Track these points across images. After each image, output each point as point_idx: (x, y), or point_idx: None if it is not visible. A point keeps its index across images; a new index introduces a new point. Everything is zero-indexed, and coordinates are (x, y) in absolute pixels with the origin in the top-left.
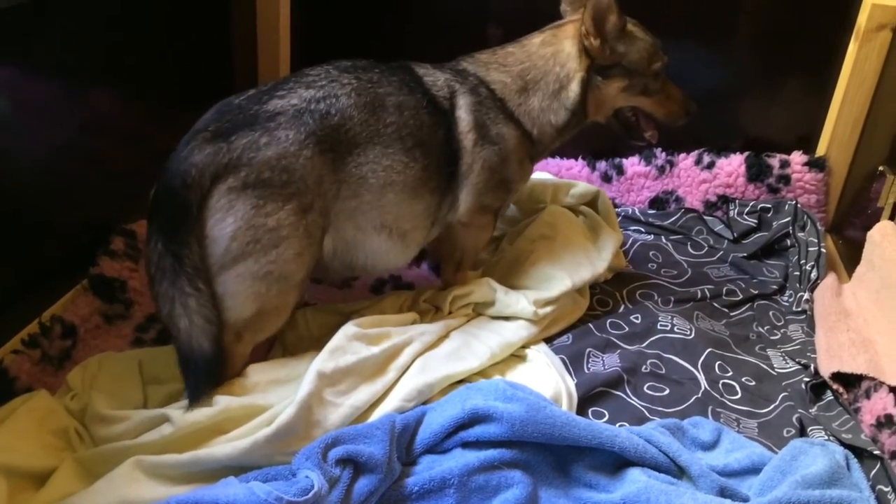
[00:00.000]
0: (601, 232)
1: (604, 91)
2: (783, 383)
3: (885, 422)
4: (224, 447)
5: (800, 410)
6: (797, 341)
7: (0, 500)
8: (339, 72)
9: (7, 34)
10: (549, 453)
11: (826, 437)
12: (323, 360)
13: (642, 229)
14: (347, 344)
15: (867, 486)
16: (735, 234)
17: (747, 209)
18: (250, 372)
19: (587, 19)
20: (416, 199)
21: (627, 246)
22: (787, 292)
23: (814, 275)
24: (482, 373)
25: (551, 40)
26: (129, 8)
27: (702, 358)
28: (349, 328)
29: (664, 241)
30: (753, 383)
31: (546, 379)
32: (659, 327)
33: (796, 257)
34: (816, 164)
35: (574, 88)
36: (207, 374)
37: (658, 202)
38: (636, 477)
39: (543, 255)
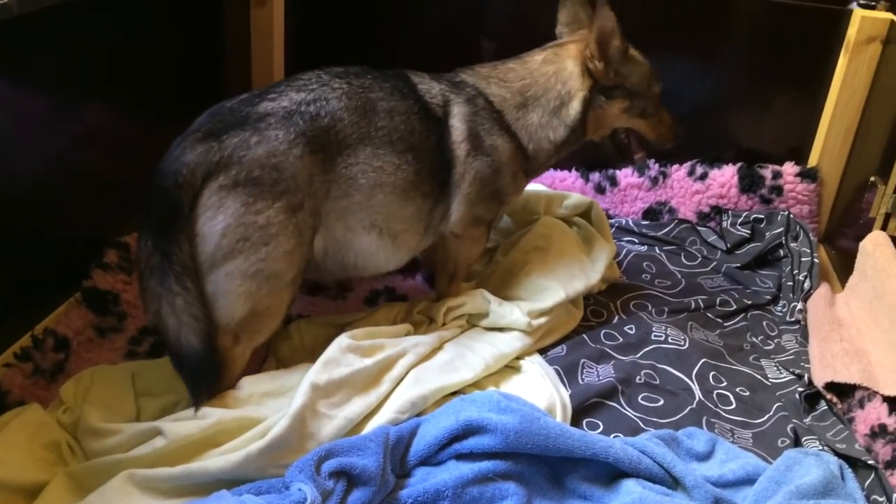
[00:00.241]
0: (595, 243)
1: (606, 111)
2: (777, 393)
3: (878, 431)
4: (217, 460)
5: (794, 420)
6: (791, 351)
7: None
8: (330, 76)
9: None
10: (544, 465)
11: (820, 447)
12: (317, 373)
13: (636, 240)
14: (341, 356)
15: (862, 495)
16: (728, 245)
17: (740, 220)
18: (244, 384)
19: (591, 43)
20: (406, 201)
21: (621, 257)
22: (781, 302)
23: (807, 285)
24: (476, 384)
25: (553, 58)
26: (122, 20)
27: (696, 368)
28: (343, 340)
29: (658, 251)
30: (748, 393)
31: (540, 390)
32: (653, 338)
33: (789, 267)
34: (808, 175)
35: (575, 106)
36: (201, 371)
37: (651, 213)
38: (631, 488)
39: (537, 267)
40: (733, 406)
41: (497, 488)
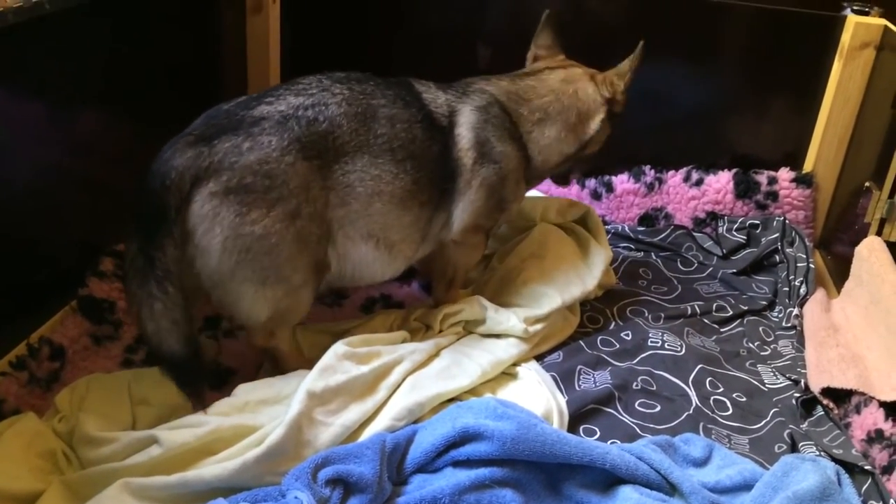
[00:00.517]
0: (591, 249)
1: (603, 132)
2: (774, 399)
3: (875, 437)
4: (213, 468)
5: (791, 426)
6: (787, 357)
7: None
8: (331, 81)
9: None
10: (541, 471)
11: (817, 453)
12: (313, 380)
13: (632, 246)
14: (337, 363)
15: (858, 501)
16: (724, 251)
17: (736, 225)
18: (239, 391)
19: (618, 82)
20: (405, 210)
21: (617, 263)
22: (777, 308)
23: (803, 290)
24: (473, 391)
25: (570, 78)
26: (118, 27)
27: (692, 374)
28: (339, 347)
29: (654, 257)
30: (744, 399)
31: (537, 396)
32: (649, 344)
33: (785, 273)
34: (804, 181)
35: (593, 126)
36: (185, 375)
37: (647, 219)
38: (628, 494)
39: (534, 273)
40: (730, 412)
41: (494, 495)
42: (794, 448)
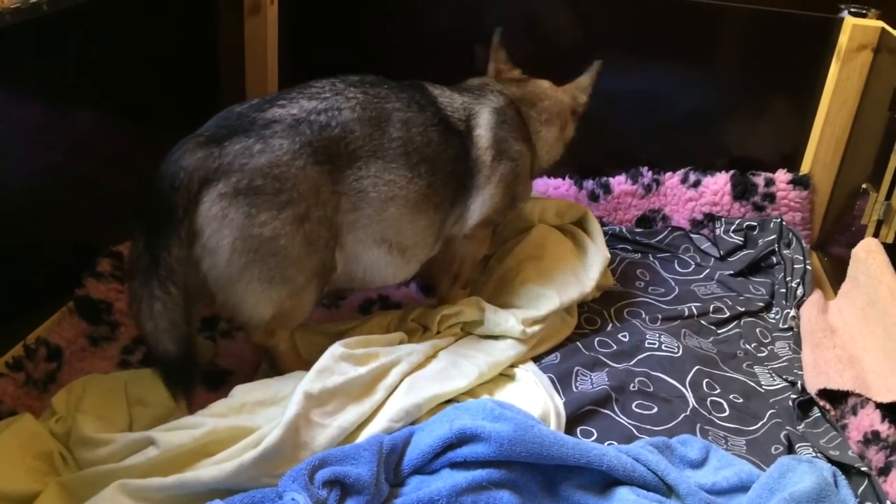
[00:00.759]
0: (589, 251)
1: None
2: (770, 400)
3: (872, 438)
4: (210, 470)
5: (787, 427)
6: (784, 358)
7: None
8: (345, 85)
9: None
10: (538, 473)
11: (814, 454)
12: (310, 381)
13: (629, 248)
14: (335, 365)
15: (855, 502)
16: (721, 252)
17: (733, 227)
18: (236, 393)
19: (582, 105)
20: (419, 214)
21: (615, 264)
22: (774, 309)
23: (800, 292)
24: (470, 392)
25: (551, 86)
26: (115, 30)
27: (689, 376)
28: (336, 349)
29: (651, 259)
30: (741, 401)
31: (534, 398)
32: (646, 345)
33: (782, 274)
34: (801, 182)
35: (571, 130)
36: (178, 375)
37: (645, 220)
38: (625, 496)
39: (532, 274)
40: (727, 413)
41: (491, 497)
42: (790, 449)
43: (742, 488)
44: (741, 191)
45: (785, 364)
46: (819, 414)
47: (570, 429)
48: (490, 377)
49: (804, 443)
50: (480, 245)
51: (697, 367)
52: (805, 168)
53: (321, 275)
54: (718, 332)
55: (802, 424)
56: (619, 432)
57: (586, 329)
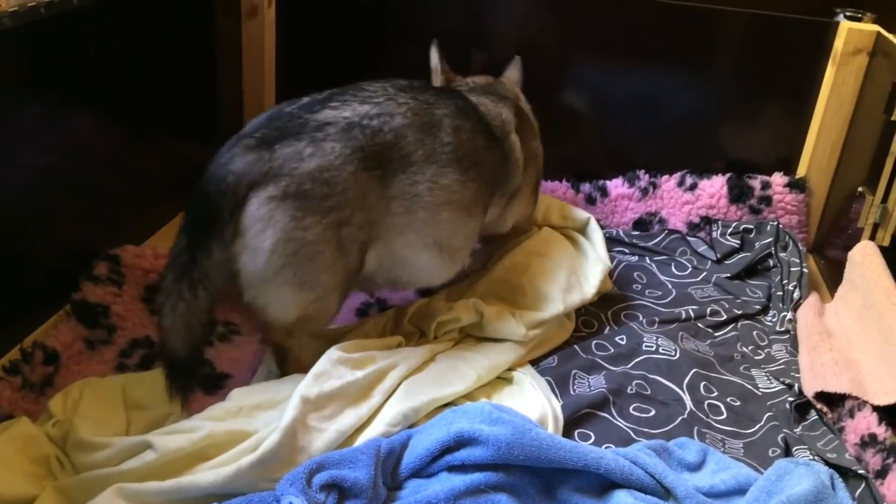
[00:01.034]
0: (590, 258)
1: None
2: (768, 403)
3: (869, 441)
4: (207, 474)
5: (784, 430)
6: (781, 361)
7: None
8: (395, 90)
9: None
10: (536, 476)
11: (811, 457)
12: (307, 386)
13: (626, 251)
14: (332, 369)
15: None
16: (718, 255)
17: (730, 230)
18: (234, 396)
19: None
20: (469, 217)
21: (612, 267)
22: (771, 312)
23: (796, 295)
24: (468, 395)
25: None
26: (112, 33)
27: (687, 378)
28: (333, 353)
29: (648, 262)
30: (738, 403)
31: (532, 401)
32: (644, 348)
33: (779, 277)
34: (797, 186)
35: None
36: (180, 374)
37: (642, 224)
38: (622, 499)
39: (539, 273)
40: (724, 416)
41: (489, 500)
42: (787, 452)
43: (739, 491)
44: (738, 194)
45: (782, 367)
46: (816, 417)
47: (567, 432)
48: (488, 380)
49: (801, 446)
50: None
51: (695, 369)
52: (801, 171)
53: (348, 280)
54: (715, 334)
55: (799, 427)
56: (617, 435)
57: (584, 332)
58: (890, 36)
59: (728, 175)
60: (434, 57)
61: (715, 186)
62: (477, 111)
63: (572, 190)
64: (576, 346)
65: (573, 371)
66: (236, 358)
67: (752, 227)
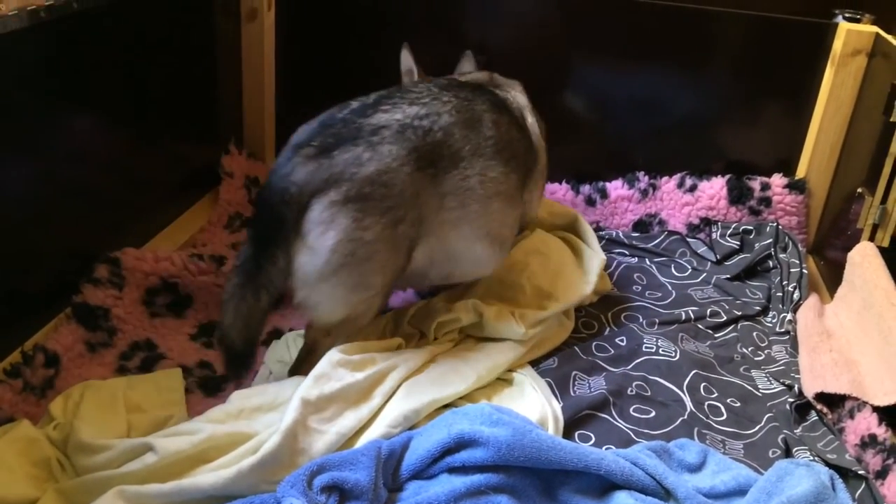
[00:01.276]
0: (585, 254)
1: None
2: (768, 404)
3: (869, 441)
4: (208, 476)
5: (785, 431)
6: (781, 362)
7: None
8: (438, 89)
9: None
10: (536, 477)
11: (811, 458)
12: (307, 388)
13: (626, 252)
14: (332, 371)
15: None
16: (718, 256)
17: (730, 231)
18: (234, 398)
19: None
20: (513, 206)
21: (612, 269)
22: (771, 313)
23: (796, 296)
24: (468, 396)
25: None
26: (111, 37)
27: (687, 380)
28: (334, 355)
29: (648, 263)
30: (738, 404)
31: (532, 402)
32: (644, 349)
33: (778, 278)
34: (796, 187)
35: None
36: (235, 365)
37: (641, 225)
38: (623, 500)
39: (538, 271)
40: (724, 417)
41: (489, 501)
42: (788, 453)
43: (740, 492)
44: (737, 195)
45: (782, 368)
46: (816, 417)
47: (567, 433)
48: (489, 380)
49: (801, 446)
50: None
51: (695, 371)
52: (801, 172)
53: (395, 279)
54: (715, 335)
55: (800, 428)
56: (617, 436)
57: (584, 333)
58: (889, 37)
59: (728, 176)
60: (408, 60)
61: (714, 188)
62: (506, 104)
63: (572, 191)
64: (576, 348)
65: (573, 372)
66: None
67: (751, 228)
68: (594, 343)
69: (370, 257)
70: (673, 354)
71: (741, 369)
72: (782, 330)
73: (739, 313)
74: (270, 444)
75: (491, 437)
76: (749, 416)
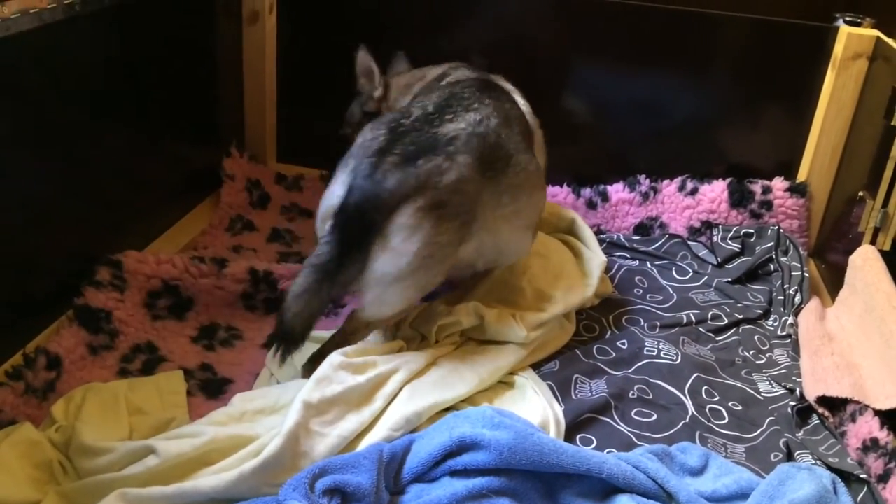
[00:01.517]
0: (585, 256)
1: None
2: (769, 408)
3: (871, 445)
4: (210, 479)
5: (786, 435)
6: (782, 365)
7: None
8: (479, 92)
9: None
10: (538, 481)
11: (813, 462)
12: (309, 391)
13: (627, 255)
14: (333, 373)
15: None
16: (719, 260)
17: (731, 234)
18: (236, 401)
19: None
20: (544, 190)
21: (613, 272)
22: (772, 317)
23: (798, 299)
24: (470, 400)
25: None
26: (113, 39)
27: (688, 383)
28: (335, 358)
29: (649, 266)
30: (740, 408)
31: (534, 406)
32: (645, 353)
33: (780, 282)
34: (797, 190)
35: None
36: (286, 344)
37: (643, 228)
38: None
39: (539, 273)
40: (726, 420)
41: None
42: (789, 457)
43: (742, 496)
44: (738, 198)
45: (783, 371)
46: (818, 421)
47: (569, 436)
48: (490, 383)
49: (803, 450)
50: None
51: (696, 374)
52: (802, 176)
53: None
54: (717, 339)
55: (801, 432)
56: (619, 440)
57: (585, 336)
58: (889, 41)
59: (729, 179)
60: (366, 61)
61: (716, 191)
62: (511, 95)
63: (573, 194)
64: (577, 351)
65: (575, 376)
66: (238, 363)
67: (752, 231)
68: (595, 346)
69: (443, 260)
70: (674, 358)
71: (742, 373)
72: (784, 333)
73: (741, 317)
74: (272, 446)
75: (493, 440)
76: (751, 419)
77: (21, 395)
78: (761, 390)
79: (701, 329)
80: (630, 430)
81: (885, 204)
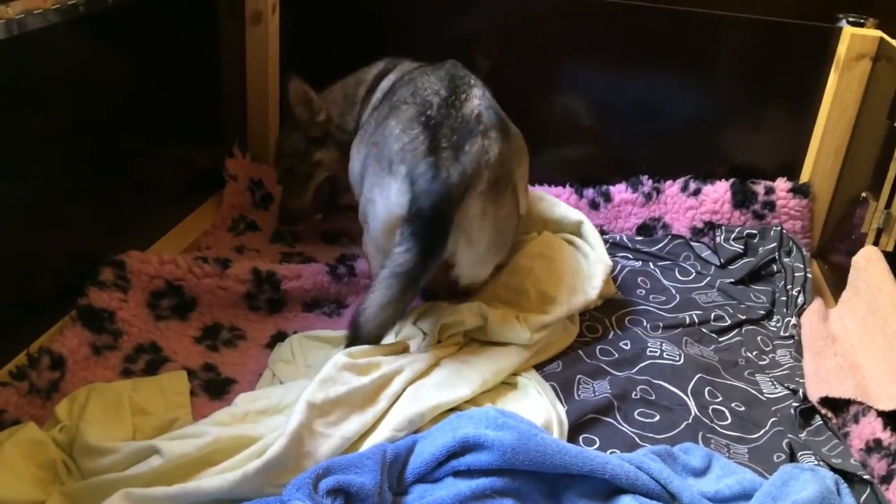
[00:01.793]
0: (590, 259)
1: None
2: (772, 408)
3: (874, 446)
4: (213, 479)
5: (789, 435)
6: (785, 366)
7: None
8: (462, 71)
9: None
10: (541, 481)
11: (816, 462)
12: (313, 392)
13: (630, 256)
14: (337, 374)
15: None
16: (722, 260)
17: (733, 235)
18: (239, 401)
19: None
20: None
21: (616, 272)
22: (775, 318)
23: (800, 300)
24: (473, 400)
25: None
26: (116, 40)
27: (691, 384)
28: (339, 358)
29: (652, 267)
30: (743, 409)
31: (537, 406)
32: (648, 353)
33: (783, 283)
34: (801, 191)
35: None
36: (357, 340)
37: (645, 229)
38: None
39: (543, 275)
40: (729, 421)
41: None
42: (792, 457)
43: (744, 496)
44: (741, 199)
45: (786, 372)
46: (821, 422)
47: (572, 437)
48: (493, 384)
49: (806, 451)
50: None
51: (699, 375)
52: (805, 176)
53: None
54: (720, 340)
55: (804, 432)
56: (622, 440)
57: (588, 337)
58: (893, 41)
59: (731, 180)
60: (302, 88)
61: (718, 192)
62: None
63: (576, 195)
64: (580, 352)
65: (578, 376)
66: (241, 363)
67: (755, 232)
68: (598, 347)
69: (509, 227)
70: (677, 358)
71: (745, 373)
72: (786, 334)
73: (744, 317)
74: (276, 447)
75: (496, 440)
76: (754, 420)
77: (25, 395)
78: (764, 391)
79: (704, 330)
80: (633, 431)
81: (889, 205)
